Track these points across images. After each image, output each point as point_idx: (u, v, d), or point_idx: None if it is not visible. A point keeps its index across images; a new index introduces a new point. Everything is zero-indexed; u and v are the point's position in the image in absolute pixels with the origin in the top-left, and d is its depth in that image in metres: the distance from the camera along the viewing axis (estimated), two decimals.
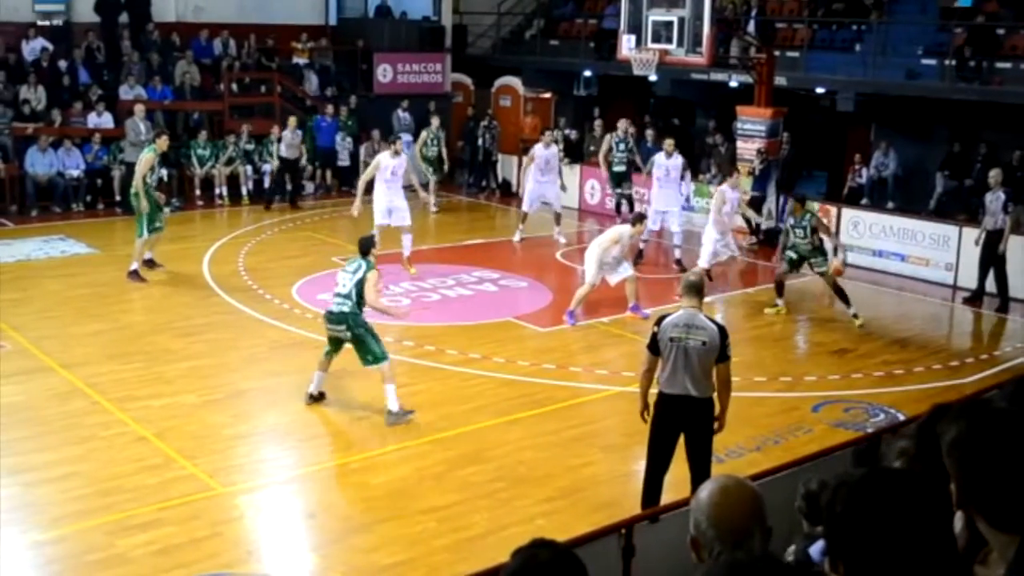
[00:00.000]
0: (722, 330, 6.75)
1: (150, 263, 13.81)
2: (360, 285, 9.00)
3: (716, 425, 6.90)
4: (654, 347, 6.81)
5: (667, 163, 15.17)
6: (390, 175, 14.21)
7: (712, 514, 2.64)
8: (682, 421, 6.84)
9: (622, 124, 17.59)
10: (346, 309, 8.97)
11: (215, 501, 7.40)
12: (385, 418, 8.89)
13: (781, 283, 12.81)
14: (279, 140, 18.71)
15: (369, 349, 8.98)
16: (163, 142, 13.61)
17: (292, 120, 18.69)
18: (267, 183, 19.50)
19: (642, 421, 7.11)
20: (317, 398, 9.29)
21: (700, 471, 6.80)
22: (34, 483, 7.51)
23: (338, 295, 9.07)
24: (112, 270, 13.89)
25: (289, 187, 19.12)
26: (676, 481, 7.89)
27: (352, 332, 8.96)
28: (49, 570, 6.47)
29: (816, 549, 3.85)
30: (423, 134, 19.28)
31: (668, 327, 6.73)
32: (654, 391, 6.98)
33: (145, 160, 13.18)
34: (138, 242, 13.38)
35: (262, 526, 7.29)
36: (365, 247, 9.33)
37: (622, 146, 17.19)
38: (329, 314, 9.12)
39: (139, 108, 17.46)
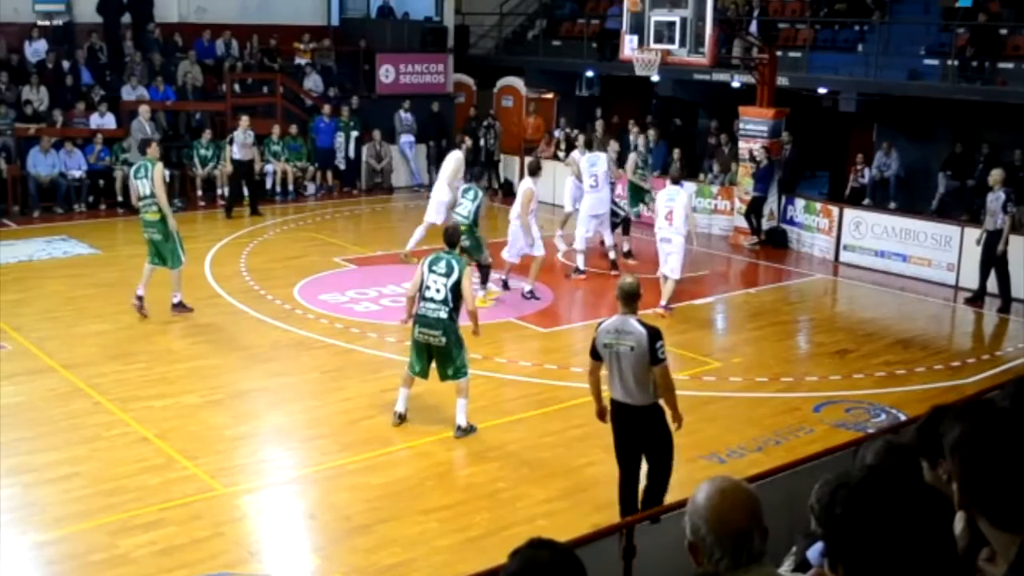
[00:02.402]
0: (652, 333, 6.54)
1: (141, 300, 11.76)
2: (457, 288, 8.40)
3: (675, 426, 6.74)
4: (594, 353, 6.75)
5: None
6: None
7: (711, 518, 2.59)
8: (631, 428, 6.72)
9: (641, 140, 16.89)
10: (443, 315, 8.37)
11: (217, 501, 7.41)
12: (454, 432, 8.60)
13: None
14: (231, 142, 17.74)
15: (453, 361, 8.52)
16: (154, 149, 11.87)
17: (244, 120, 17.64)
18: (268, 184, 19.54)
19: (601, 422, 7.09)
20: (403, 417, 8.83)
21: (655, 481, 6.69)
22: (36, 483, 7.52)
23: (432, 301, 8.39)
24: (114, 271, 13.90)
25: (247, 192, 18.26)
26: (676, 481, 7.89)
27: (447, 339, 8.42)
28: (51, 570, 6.48)
29: (814, 551, 3.83)
30: (632, 158, 15.95)
31: (602, 333, 6.67)
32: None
33: (159, 175, 11.63)
34: (176, 272, 11.78)
35: (264, 526, 7.29)
36: (452, 238, 8.83)
37: (641, 161, 16.11)
38: (424, 318, 8.44)
39: (144, 109, 17.46)
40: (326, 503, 7.56)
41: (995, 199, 12.99)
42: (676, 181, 12.93)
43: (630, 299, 6.69)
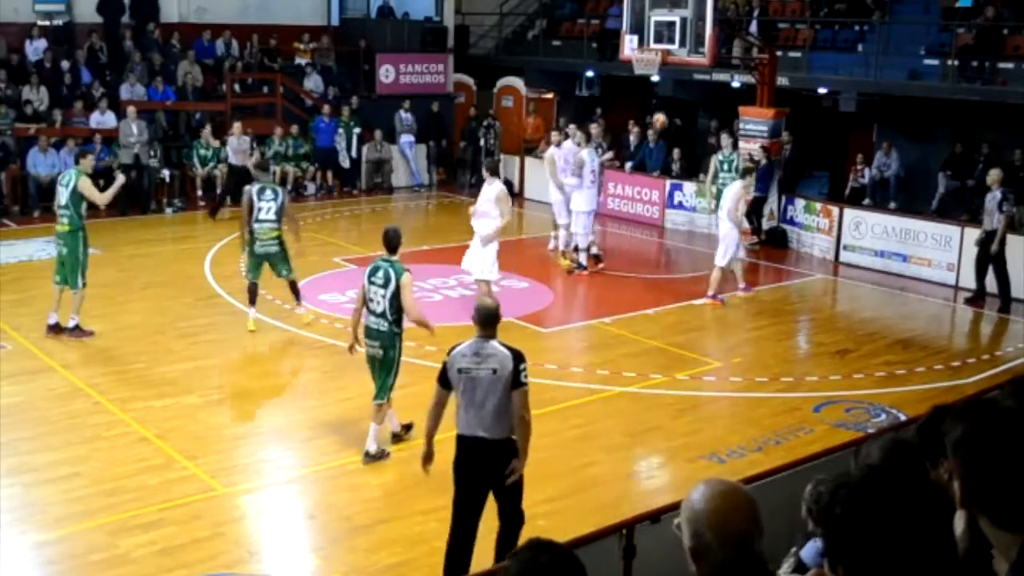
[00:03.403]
0: (517, 355, 5.96)
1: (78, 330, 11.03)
2: (395, 299, 7.95)
3: (509, 469, 5.99)
4: (443, 380, 6.07)
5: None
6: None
7: (712, 521, 2.55)
8: (482, 466, 6.03)
9: (725, 140, 16.02)
10: (383, 328, 8.02)
11: (217, 501, 7.41)
12: (362, 459, 8.13)
13: None
14: (224, 145, 18.07)
15: (385, 380, 8.13)
16: (88, 161, 11.16)
17: (237, 126, 17.88)
18: None
19: (423, 472, 6.33)
20: (407, 428, 8.56)
21: (511, 522, 6.10)
22: (36, 483, 7.52)
23: (373, 313, 8.07)
24: (114, 271, 13.89)
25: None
26: (676, 481, 7.89)
27: (386, 354, 8.07)
28: (51, 570, 6.48)
29: (808, 552, 3.82)
30: (714, 163, 16.03)
31: (456, 357, 6.01)
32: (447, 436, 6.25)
33: (85, 187, 10.72)
34: (77, 294, 10.88)
35: (263, 526, 7.29)
36: (393, 243, 8.18)
37: (726, 165, 15.83)
38: (367, 329, 8.14)
39: (131, 110, 17.43)
40: (326, 503, 7.56)
41: (992, 199, 13.00)
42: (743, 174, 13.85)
43: (489, 322, 6.07)
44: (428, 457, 6.31)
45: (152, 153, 18.42)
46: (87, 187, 10.73)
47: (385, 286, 7.98)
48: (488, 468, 6.03)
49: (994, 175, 13.13)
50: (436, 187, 21.99)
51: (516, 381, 5.92)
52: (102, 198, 11.03)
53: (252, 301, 11.40)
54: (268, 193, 11.28)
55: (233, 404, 9.37)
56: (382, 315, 8.01)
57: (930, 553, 1.97)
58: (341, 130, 20.39)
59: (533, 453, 8.41)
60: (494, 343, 6.03)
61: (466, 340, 6.08)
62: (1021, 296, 13.50)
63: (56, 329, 10.88)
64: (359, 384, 9.86)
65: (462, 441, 6.08)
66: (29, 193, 17.38)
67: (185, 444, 8.33)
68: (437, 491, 7.67)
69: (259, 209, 11.13)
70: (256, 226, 11.14)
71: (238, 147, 17.74)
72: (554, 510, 7.37)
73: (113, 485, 7.50)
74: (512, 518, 6.16)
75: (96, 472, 7.73)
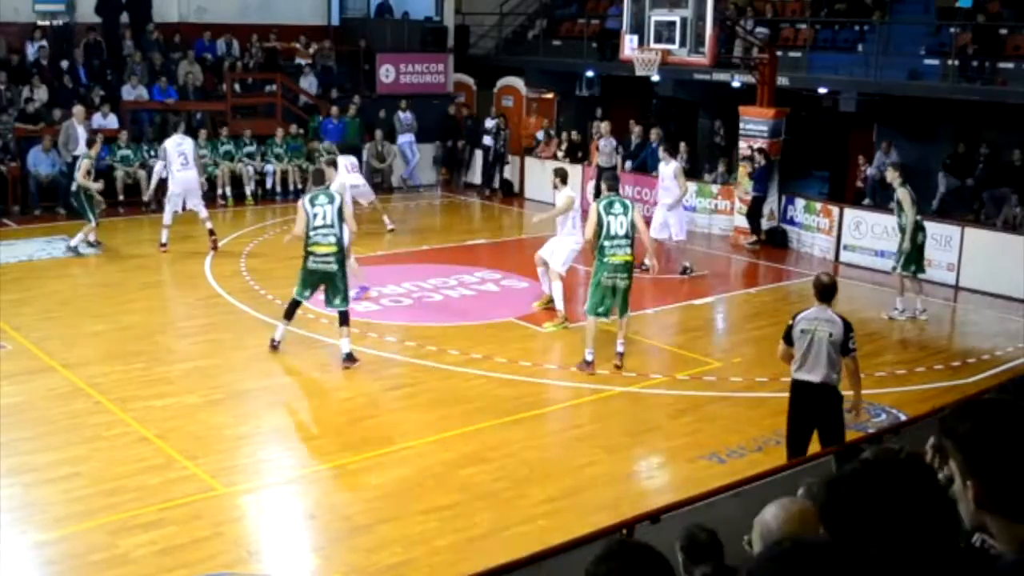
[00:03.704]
0: (847, 325, 7.20)
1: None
2: (340, 213, 10.02)
3: (852, 408, 7.58)
4: (788, 337, 7.32)
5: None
6: None
7: None
8: (809, 407, 7.30)
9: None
10: (332, 241, 9.97)
11: (217, 501, 7.41)
12: (342, 360, 10.03)
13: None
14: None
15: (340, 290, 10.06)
16: (95, 148, 14.64)
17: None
18: (268, 184, 19.58)
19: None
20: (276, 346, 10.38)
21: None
22: (36, 483, 7.52)
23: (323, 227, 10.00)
24: (114, 271, 13.91)
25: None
26: (676, 481, 7.89)
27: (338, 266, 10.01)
28: (51, 570, 6.48)
29: None
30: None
31: (801, 320, 7.29)
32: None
33: (85, 167, 14.39)
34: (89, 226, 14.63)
35: (263, 526, 7.29)
36: (318, 179, 10.70)
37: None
38: (317, 245, 10.15)
39: (79, 110, 16.95)
40: (326, 503, 7.56)
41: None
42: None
43: (827, 294, 7.34)
44: None
45: (152, 153, 18.45)
46: (84, 171, 14.38)
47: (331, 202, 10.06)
48: (814, 407, 7.26)
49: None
50: (439, 187, 22.01)
51: (846, 348, 7.16)
52: (87, 181, 14.47)
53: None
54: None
55: (233, 404, 9.37)
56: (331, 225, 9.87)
57: (939, 533, 1.97)
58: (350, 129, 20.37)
59: (533, 453, 8.46)
60: (830, 312, 7.27)
61: (809, 307, 7.37)
62: (1020, 296, 13.51)
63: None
64: (359, 384, 9.89)
65: (796, 384, 7.32)
66: (30, 192, 17.37)
67: (185, 444, 8.33)
68: (437, 491, 7.69)
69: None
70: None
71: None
72: (554, 510, 7.37)
73: (113, 485, 7.50)
74: (835, 436, 7.25)
75: (96, 472, 7.73)
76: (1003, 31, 16.54)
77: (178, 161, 14.90)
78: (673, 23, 15.05)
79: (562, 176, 12.18)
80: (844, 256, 15.92)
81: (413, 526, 7.09)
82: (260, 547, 6.96)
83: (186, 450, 8.20)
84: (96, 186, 14.63)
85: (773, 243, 16.83)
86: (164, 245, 15.07)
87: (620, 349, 10.40)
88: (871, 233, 15.62)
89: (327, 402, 9.44)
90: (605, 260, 10.00)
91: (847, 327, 7.17)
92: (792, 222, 16.95)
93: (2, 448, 7.98)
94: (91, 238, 14.86)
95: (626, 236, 10.06)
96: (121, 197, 17.92)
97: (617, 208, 10.14)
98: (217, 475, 7.80)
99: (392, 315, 12.28)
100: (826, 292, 7.32)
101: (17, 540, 6.70)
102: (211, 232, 15.24)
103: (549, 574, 4.64)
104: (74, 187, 14.55)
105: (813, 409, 7.24)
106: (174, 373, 10.04)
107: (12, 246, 15.00)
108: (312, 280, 10.23)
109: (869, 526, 1.99)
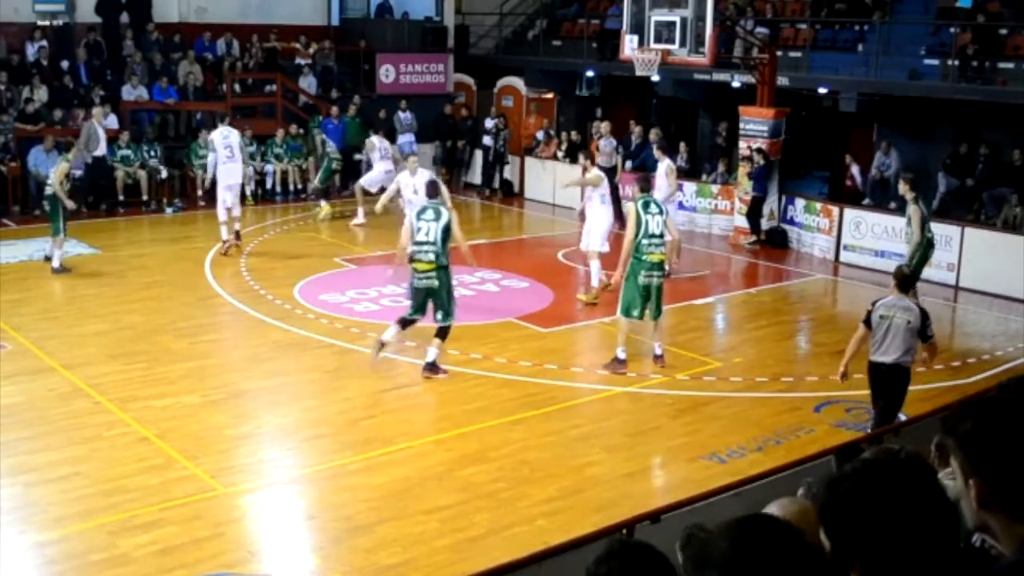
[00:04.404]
0: (924, 313, 7.98)
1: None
2: (447, 231, 9.86)
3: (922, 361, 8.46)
4: (867, 321, 8.04)
5: None
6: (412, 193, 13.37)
7: None
8: (883, 381, 8.13)
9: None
10: (432, 257, 9.81)
11: (217, 501, 7.41)
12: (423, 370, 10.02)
13: None
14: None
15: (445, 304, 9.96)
16: (73, 154, 14.08)
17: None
18: (268, 184, 19.59)
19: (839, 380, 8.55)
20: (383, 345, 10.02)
21: (888, 414, 8.09)
22: (36, 483, 7.52)
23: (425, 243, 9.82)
24: (114, 270, 13.91)
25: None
26: (676, 481, 7.89)
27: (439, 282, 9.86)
28: (51, 570, 6.47)
29: None
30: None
31: (880, 306, 7.99)
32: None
33: (62, 170, 13.70)
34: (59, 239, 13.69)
35: (264, 526, 7.29)
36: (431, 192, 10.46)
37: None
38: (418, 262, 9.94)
39: (97, 111, 17.34)
40: (326, 503, 7.56)
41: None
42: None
43: (906, 284, 8.20)
44: (844, 376, 8.43)
45: (152, 153, 18.49)
46: (60, 174, 13.63)
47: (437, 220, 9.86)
48: (886, 384, 8.10)
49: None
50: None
51: (924, 335, 7.96)
52: (61, 189, 13.63)
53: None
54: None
55: (233, 404, 9.37)
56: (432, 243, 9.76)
57: (940, 532, 1.97)
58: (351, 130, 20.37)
59: (533, 453, 8.46)
60: (908, 300, 8.05)
61: (888, 295, 8.14)
62: (1020, 296, 13.51)
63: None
64: (359, 384, 9.89)
65: (873, 365, 8.12)
66: (30, 193, 17.37)
67: (185, 444, 8.33)
68: (437, 491, 7.70)
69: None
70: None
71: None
72: (554, 510, 7.37)
73: (113, 485, 7.50)
74: (895, 409, 8.16)
75: (96, 472, 7.72)
76: (1003, 31, 16.54)
77: (224, 153, 15.08)
78: (673, 23, 15.05)
79: (591, 157, 13.85)
80: (844, 256, 15.92)
81: (413, 526, 7.09)
82: (260, 547, 6.96)
83: (186, 450, 8.20)
84: (70, 204, 13.81)
85: (773, 243, 16.83)
86: (225, 242, 15.03)
87: (659, 352, 10.54)
88: (871, 233, 15.62)
89: (327, 402, 9.44)
90: (643, 258, 10.25)
91: (924, 315, 7.92)
92: (792, 222, 16.95)
93: (2, 448, 7.98)
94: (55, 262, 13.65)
95: (661, 235, 10.40)
96: (121, 197, 17.94)
97: (653, 208, 10.46)
98: (217, 475, 7.80)
99: (392, 315, 12.24)
100: (905, 282, 8.15)
101: (17, 540, 6.70)
102: (236, 234, 15.28)
103: (549, 574, 4.64)
104: (49, 191, 13.69)
105: (884, 386, 8.06)
106: (174, 373, 10.03)
107: (12, 246, 15.00)
108: (419, 298, 10.03)
109: (869, 526, 1.99)
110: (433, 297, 9.94)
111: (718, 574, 1.99)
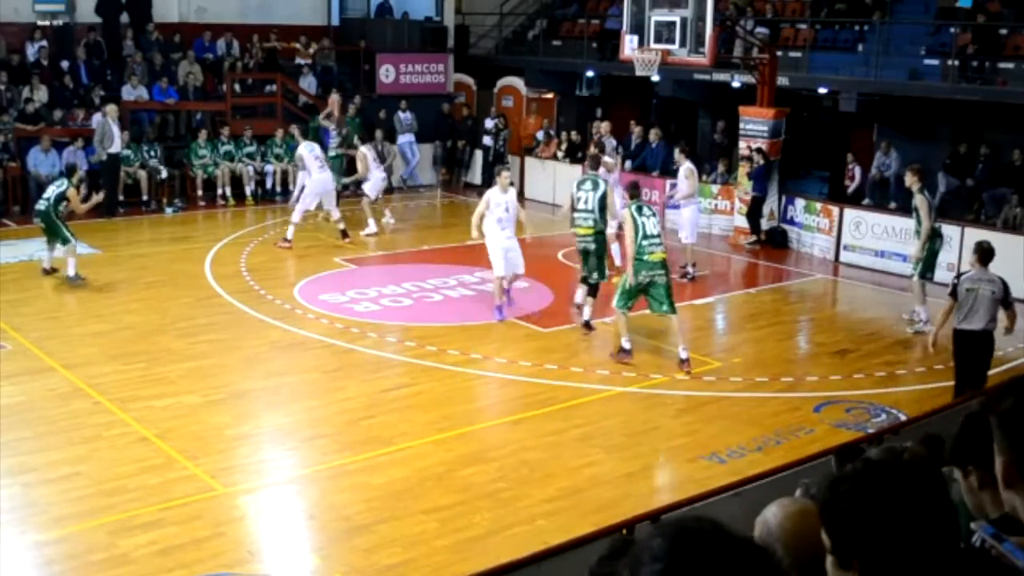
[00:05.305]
0: (1005, 283, 8.85)
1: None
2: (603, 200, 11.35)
3: (1007, 330, 9.29)
4: (954, 293, 8.90)
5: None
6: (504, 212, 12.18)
7: (789, 541, 2.51)
8: (970, 348, 9.03)
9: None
10: (590, 224, 11.53)
11: (217, 501, 7.41)
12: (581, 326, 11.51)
13: None
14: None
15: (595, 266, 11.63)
16: (77, 177, 13.88)
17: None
18: (268, 184, 19.60)
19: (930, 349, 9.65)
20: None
21: (975, 383, 8.82)
22: (36, 483, 7.52)
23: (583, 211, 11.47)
24: (114, 271, 13.91)
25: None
26: (676, 481, 7.89)
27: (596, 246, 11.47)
28: (51, 570, 6.47)
29: None
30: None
31: (966, 280, 8.86)
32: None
33: (72, 194, 13.48)
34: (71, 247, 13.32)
35: (264, 526, 7.29)
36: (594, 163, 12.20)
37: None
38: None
39: (111, 108, 17.37)
40: (326, 503, 7.56)
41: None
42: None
43: (987, 257, 8.97)
44: (934, 344, 9.56)
45: (152, 153, 18.49)
46: (73, 196, 13.41)
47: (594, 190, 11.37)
48: (973, 350, 8.96)
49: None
50: (440, 187, 22.01)
51: (1007, 302, 8.83)
52: (80, 207, 13.78)
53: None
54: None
55: (233, 404, 9.37)
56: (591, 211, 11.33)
57: (940, 533, 1.97)
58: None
59: (533, 453, 8.46)
60: (990, 272, 8.90)
61: (971, 269, 9.06)
62: (1021, 296, 13.48)
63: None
64: (359, 384, 9.89)
65: (959, 333, 8.96)
66: (29, 193, 17.35)
67: (185, 444, 8.33)
68: (437, 491, 7.70)
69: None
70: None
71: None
72: (554, 510, 7.38)
73: (113, 485, 7.50)
74: (980, 377, 8.97)
75: (96, 472, 7.73)
76: (1003, 31, 16.54)
77: (315, 165, 15.77)
78: (673, 23, 15.05)
79: (601, 148, 15.09)
80: (844, 256, 15.92)
81: (413, 526, 7.09)
82: (260, 547, 6.96)
83: (186, 450, 8.20)
84: (93, 200, 14.21)
85: (773, 243, 16.83)
86: (288, 241, 15.52)
87: (684, 355, 10.51)
88: (871, 233, 15.62)
89: (327, 402, 9.44)
90: (644, 259, 10.44)
91: (1005, 284, 8.76)
92: (792, 222, 16.95)
93: (2, 448, 7.98)
94: (72, 270, 13.27)
95: (658, 235, 10.63)
96: (121, 197, 17.92)
97: (646, 211, 10.79)
98: (217, 475, 7.80)
99: (392, 315, 12.28)
100: (987, 255, 8.94)
101: (17, 540, 6.70)
102: (344, 233, 16.05)
103: (549, 574, 4.64)
104: (43, 206, 13.22)
105: (972, 352, 8.85)
106: (174, 373, 10.03)
107: (12, 246, 15.00)
108: (584, 258, 11.86)
109: (869, 526, 1.99)
110: (587, 256, 11.72)
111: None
